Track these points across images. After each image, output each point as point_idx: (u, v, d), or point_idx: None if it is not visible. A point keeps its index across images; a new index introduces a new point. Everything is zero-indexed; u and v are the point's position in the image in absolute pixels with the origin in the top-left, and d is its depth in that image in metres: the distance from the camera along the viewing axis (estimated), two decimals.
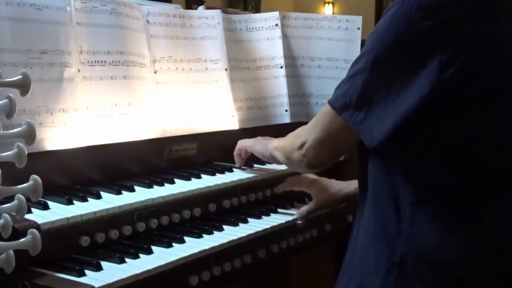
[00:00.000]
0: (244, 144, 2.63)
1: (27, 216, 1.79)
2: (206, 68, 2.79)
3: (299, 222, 2.49)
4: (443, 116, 1.69)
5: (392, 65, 1.73)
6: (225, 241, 2.17)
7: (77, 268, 1.81)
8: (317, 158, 1.98)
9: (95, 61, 2.32)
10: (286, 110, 3.09)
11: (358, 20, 3.18)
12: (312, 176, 2.54)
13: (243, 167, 2.64)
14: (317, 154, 1.96)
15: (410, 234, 1.73)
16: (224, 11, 2.97)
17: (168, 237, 2.13)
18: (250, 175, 2.57)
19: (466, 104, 1.68)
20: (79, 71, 2.25)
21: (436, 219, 1.72)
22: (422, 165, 1.73)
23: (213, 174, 2.52)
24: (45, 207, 1.95)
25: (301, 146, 1.99)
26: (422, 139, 1.71)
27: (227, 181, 2.47)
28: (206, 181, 2.43)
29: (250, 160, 2.67)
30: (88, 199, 2.07)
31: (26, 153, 1.32)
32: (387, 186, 1.79)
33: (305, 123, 3.13)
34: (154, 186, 2.29)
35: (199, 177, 2.46)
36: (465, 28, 1.67)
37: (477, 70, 1.67)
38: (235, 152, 2.65)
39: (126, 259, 1.93)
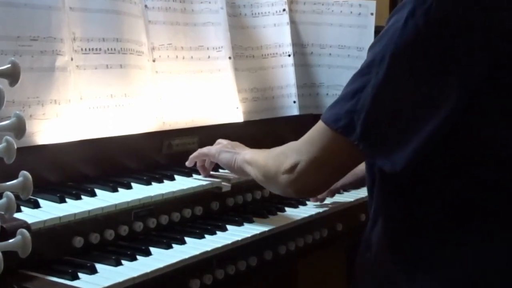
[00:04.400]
0: (206, 152, 2.41)
1: (17, 215, 1.79)
2: (209, 57, 2.79)
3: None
4: (466, 127, 1.61)
5: (411, 76, 1.60)
6: (229, 242, 2.16)
7: (70, 271, 1.81)
8: (312, 183, 1.81)
9: (89, 49, 2.31)
10: (294, 102, 3.09)
11: (371, 5, 3.17)
12: None
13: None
14: (314, 179, 1.79)
15: (429, 258, 1.68)
16: None
17: (168, 238, 2.12)
18: None
19: (489, 112, 1.62)
20: (72, 59, 2.25)
21: (459, 238, 1.66)
22: (442, 181, 1.66)
23: (215, 170, 2.52)
24: (36, 205, 1.94)
25: (291, 169, 1.80)
26: (445, 154, 1.64)
27: (231, 177, 2.46)
28: (208, 178, 2.42)
29: None
30: (82, 197, 2.07)
31: (15, 147, 1.32)
32: (401, 208, 1.73)
33: (314, 116, 3.17)
34: (153, 183, 2.28)
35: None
36: (489, 26, 1.60)
37: (500, 73, 1.60)
38: (198, 164, 2.43)
39: (123, 261, 1.93)
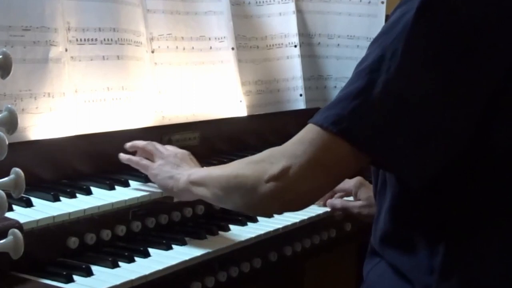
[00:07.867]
0: (143, 166, 2.21)
1: (8, 215, 1.79)
2: (210, 47, 2.79)
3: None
4: (493, 125, 1.56)
5: (426, 70, 1.54)
6: (232, 242, 2.16)
7: (64, 273, 1.81)
8: (304, 192, 1.64)
9: (84, 39, 2.31)
10: (301, 95, 3.09)
11: None
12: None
13: None
14: (308, 186, 1.62)
15: (445, 269, 1.64)
16: None
17: (168, 238, 2.12)
18: None
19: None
20: (66, 50, 2.25)
21: (468, 243, 1.63)
22: (466, 186, 1.61)
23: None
24: (28, 204, 1.94)
25: (280, 175, 1.62)
26: (469, 157, 1.58)
27: None
28: None
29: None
30: (77, 195, 2.07)
31: (7, 143, 1.32)
32: (416, 217, 1.68)
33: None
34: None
35: None
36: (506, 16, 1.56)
37: None
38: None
39: (120, 263, 1.93)
